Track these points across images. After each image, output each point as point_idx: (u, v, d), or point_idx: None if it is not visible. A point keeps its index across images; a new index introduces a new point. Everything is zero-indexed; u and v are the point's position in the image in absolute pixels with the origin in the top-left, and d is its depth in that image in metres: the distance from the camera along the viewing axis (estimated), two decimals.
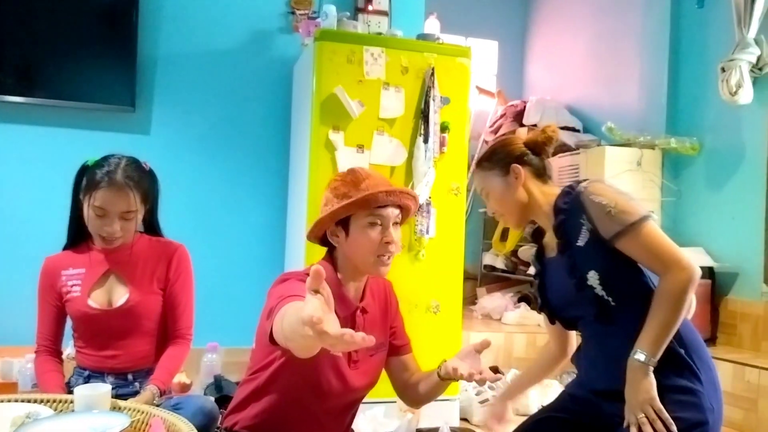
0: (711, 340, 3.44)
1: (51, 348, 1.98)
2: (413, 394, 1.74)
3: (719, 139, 3.65)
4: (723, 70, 3.38)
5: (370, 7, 3.46)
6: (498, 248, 4.64)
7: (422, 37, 3.15)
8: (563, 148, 4.21)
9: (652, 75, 4.07)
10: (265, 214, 3.59)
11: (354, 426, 1.81)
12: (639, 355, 1.49)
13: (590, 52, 4.75)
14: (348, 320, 1.61)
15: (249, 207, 3.59)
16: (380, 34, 3.17)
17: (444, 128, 3.00)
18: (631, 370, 1.50)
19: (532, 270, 1.92)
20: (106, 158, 1.93)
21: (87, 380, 1.92)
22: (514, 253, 4.48)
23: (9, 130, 3.27)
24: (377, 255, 1.58)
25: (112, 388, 1.58)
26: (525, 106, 4.84)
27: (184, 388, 2.88)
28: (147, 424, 1.41)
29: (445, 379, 1.61)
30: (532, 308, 4.10)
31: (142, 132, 3.45)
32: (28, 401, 1.49)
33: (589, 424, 1.69)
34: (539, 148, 1.74)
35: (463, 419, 3.07)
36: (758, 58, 3.34)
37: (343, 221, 1.59)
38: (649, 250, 1.52)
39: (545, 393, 3.24)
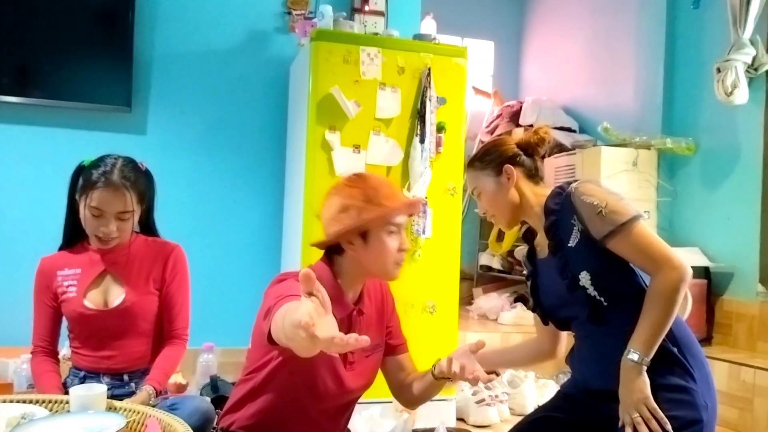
0: (707, 340, 3.45)
1: (47, 348, 1.98)
2: (408, 395, 1.75)
3: (715, 140, 3.66)
4: (718, 70, 3.39)
5: (366, 8, 3.46)
6: (494, 248, 4.64)
7: (418, 37, 3.15)
8: (559, 149, 4.22)
9: (648, 75, 4.08)
10: (261, 214, 3.59)
11: (350, 426, 1.81)
12: (632, 355, 1.49)
13: (586, 53, 4.75)
14: (345, 321, 1.61)
15: (245, 207, 3.58)
16: (376, 34, 3.17)
17: (440, 128, 3.00)
18: (624, 370, 1.51)
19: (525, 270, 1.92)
20: (102, 158, 1.93)
21: (83, 381, 1.92)
22: (511, 253, 4.45)
23: (5, 130, 3.26)
24: (395, 261, 1.61)
25: (108, 389, 1.58)
26: (521, 107, 4.85)
27: (180, 388, 2.87)
28: (143, 424, 1.41)
29: (440, 378, 1.62)
30: (528, 308, 4.10)
31: (139, 132, 3.45)
32: (24, 402, 1.49)
33: (584, 423, 1.69)
34: (531, 149, 1.75)
35: (460, 419, 3.07)
36: (753, 59, 3.35)
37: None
38: (640, 250, 1.53)
39: (542, 393, 3.25)
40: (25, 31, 3.20)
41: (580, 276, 1.58)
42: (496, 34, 5.60)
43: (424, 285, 2.99)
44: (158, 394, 1.89)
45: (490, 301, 4.45)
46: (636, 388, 1.48)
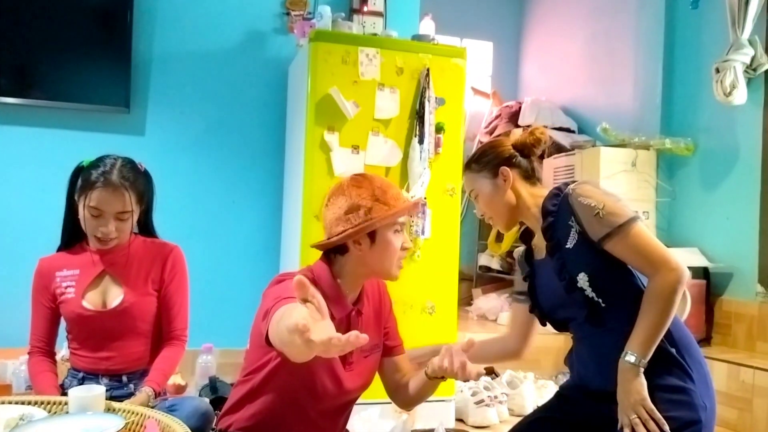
0: (706, 341, 3.45)
1: (44, 349, 1.98)
2: (404, 396, 1.74)
3: (714, 140, 3.66)
4: (717, 70, 3.39)
5: (365, 8, 3.46)
6: (493, 249, 4.64)
7: (417, 37, 3.15)
8: (558, 149, 4.22)
9: (647, 76, 4.08)
10: (260, 215, 3.59)
11: (349, 427, 1.81)
12: (629, 357, 1.49)
13: (585, 53, 4.76)
14: (343, 322, 1.61)
15: (244, 208, 3.58)
16: (375, 34, 3.17)
17: (439, 129, 3.00)
18: (621, 372, 1.51)
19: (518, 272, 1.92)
20: (101, 159, 1.93)
21: (81, 382, 1.92)
22: (510, 253, 4.48)
23: (3, 131, 3.26)
24: (399, 260, 1.63)
25: (107, 390, 1.58)
26: (520, 107, 4.85)
27: (179, 389, 2.87)
28: (142, 425, 1.41)
29: (433, 378, 1.61)
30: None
31: (137, 133, 3.44)
32: (22, 403, 1.49)
33: (583, 424, 1.69)
34: (528, 150, 1.75)
35: (459, 420, 3.07)
36: (752, 59, 3.35)
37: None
38: (637, 251, 1.53)
39: (541, 394, 3.25)
40: (24, 32, 3.20)
41: (577, 277, 1.58)
42: (494, 35, 5.61)
43: (423, 285, 2.98)
44: (157, 395, 1.89)
45: (489, 301, 4.46)
46: (633, 390, 1.48)
